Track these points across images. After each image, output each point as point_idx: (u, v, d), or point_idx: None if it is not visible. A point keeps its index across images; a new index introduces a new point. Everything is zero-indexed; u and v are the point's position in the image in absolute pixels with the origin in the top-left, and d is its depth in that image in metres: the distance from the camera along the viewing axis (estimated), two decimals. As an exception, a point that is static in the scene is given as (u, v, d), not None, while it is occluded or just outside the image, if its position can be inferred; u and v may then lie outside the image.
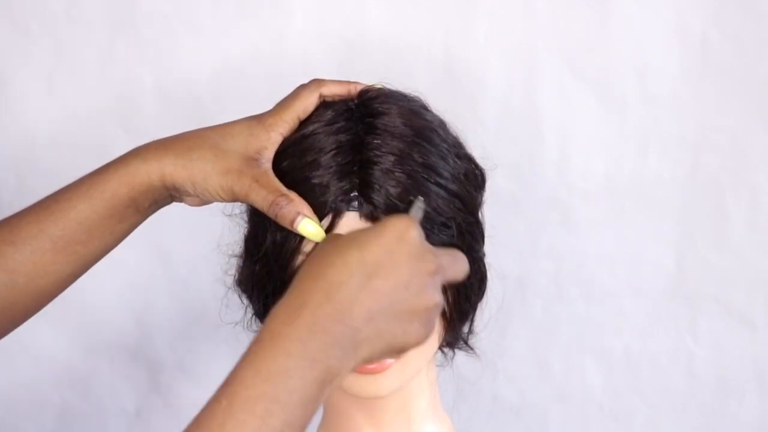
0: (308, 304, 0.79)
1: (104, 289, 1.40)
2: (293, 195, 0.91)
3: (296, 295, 0.80)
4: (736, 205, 1.33)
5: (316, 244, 0.90)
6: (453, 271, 0.87)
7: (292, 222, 0.90)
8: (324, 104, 0.98)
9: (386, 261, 0.81)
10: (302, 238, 0.92)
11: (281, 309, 0.80)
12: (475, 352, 1.05)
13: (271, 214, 0.91)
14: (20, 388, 1.44)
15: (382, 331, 0.81)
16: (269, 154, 0.95)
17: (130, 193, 0.95)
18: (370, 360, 0.82)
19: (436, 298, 0.83)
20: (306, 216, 0.90)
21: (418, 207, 0.89)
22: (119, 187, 0.95)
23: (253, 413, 0.76)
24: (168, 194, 0.96)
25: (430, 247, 0.84)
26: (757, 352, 1.36)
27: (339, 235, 0.84)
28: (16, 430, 1.45)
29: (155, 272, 1.42)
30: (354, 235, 0.83)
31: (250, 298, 0.99)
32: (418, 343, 0.83)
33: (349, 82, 0.99)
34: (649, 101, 1.32)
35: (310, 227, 0.90)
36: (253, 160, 0.94)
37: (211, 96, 1.36)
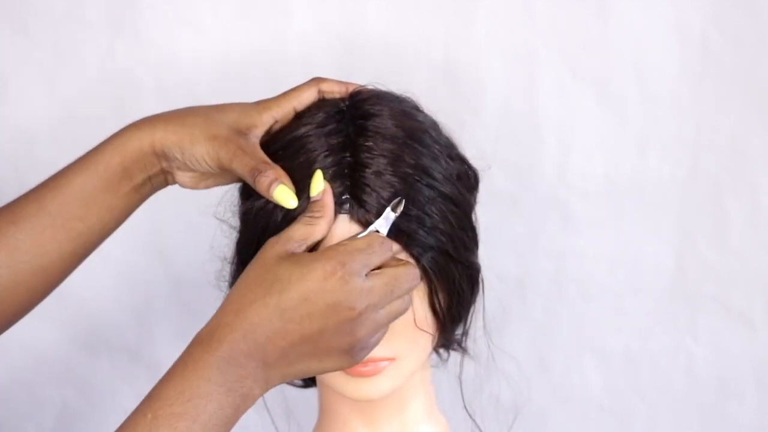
0: (227, 339, 0.86)
1: (104, 289, 1.40)
2: (276, 166, 0.93)
3: (218, 326, 0.87)
4: (735, 205, 1.33)
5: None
6: (400, 289, 0.89)
7: (269, 187, 0.91)
8: (315, 105, 0.98)
9: (302, 309, 0.87)
10: None
11: (205, 337, 0.87)
12: (469, 354, 1.05)
13: (250, 181, 0.93)
14: (20, 388, 1.44)
15: (294, 363, 0.88)
16: (258, 132, 0.97)
17: (123, 162, 0.97)
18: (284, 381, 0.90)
19: (357, 336, 0.88)
20: (283, 183, 0.91)
21: (394, 205, 0.91)
22: (112, 156, 0.97)
23: (175, 428, 0.84)
24: (159, 165, 0.98)
25: (358, 285, 0.87)
26: (756, 352, 1.36)
27: (268, 265, 0.88)
28: (16, 429, 1.45)
29: (155, 272, 1.42)
30: (280, 273, 0.87)
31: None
32: (336, 370, 0.90)
33: (348, 83, 1.00)
34: (649, 101, 1.32)
35: (285, 194, 0.91)
36: (241, 134, 0.96)
37: (211, 96, 1.35)
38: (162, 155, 0.97)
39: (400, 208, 0.91)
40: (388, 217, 0.91)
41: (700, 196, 1.33)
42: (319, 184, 0.91)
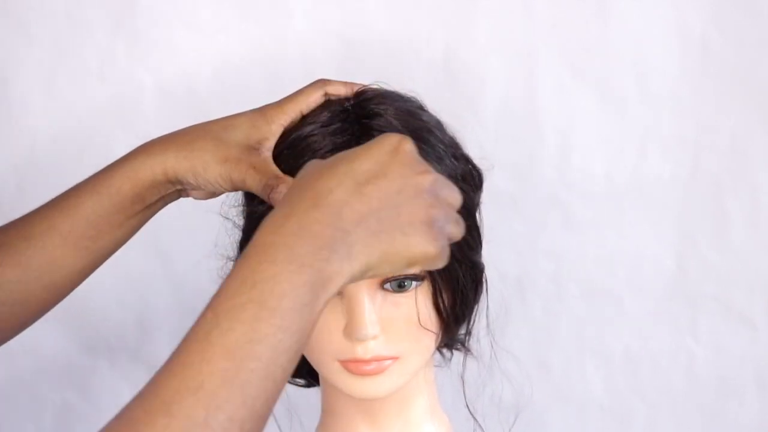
0: (295, 212, 0.76)
1: (104, 289, 1.40)
2: (287, 179, 0.92)
3: (283, 206, 0.77)
4: (736, 205, 1.33)
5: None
6: (448, 191, 0.83)
7: None
8: (320, 105, 0.98)
9: (377, 170, 0.78)
10: None
11: (268, 221, 0.77)
12: (472, 354, 1.05)
13: (264, 196, 0.92)
14: (20, 388, 1.44)
15: (376, 233, 0.77)
16: (270, 144, 0.96)
17: (134, 188, 0.97)
18: (372, 270, 0.78)
19: (436, 212, 0.79)
20: None
21: None
22: (123, 183, 0.97)
23: (239, 320, 0.72)
24: (173, 188, 0.98)
25: (425, 162, 0.82)
26: (757, 352, 1.36)
27: (320, 161, 0.81)
28: (16, 429, 1.45)
29: (155, 272, 1.42)
30: (343, 152, 0.80)
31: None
32: (425, 256, 0.79)
33: (354, 84, 1.00)
34: (649, 101, 1.32)
35: None
36: (253, 149, 0.95)
37: (211, 96, 1.36)
38: (175, 180, 0.97)
39: None
40: None
41: (701, 195, 1.33)
42: None
